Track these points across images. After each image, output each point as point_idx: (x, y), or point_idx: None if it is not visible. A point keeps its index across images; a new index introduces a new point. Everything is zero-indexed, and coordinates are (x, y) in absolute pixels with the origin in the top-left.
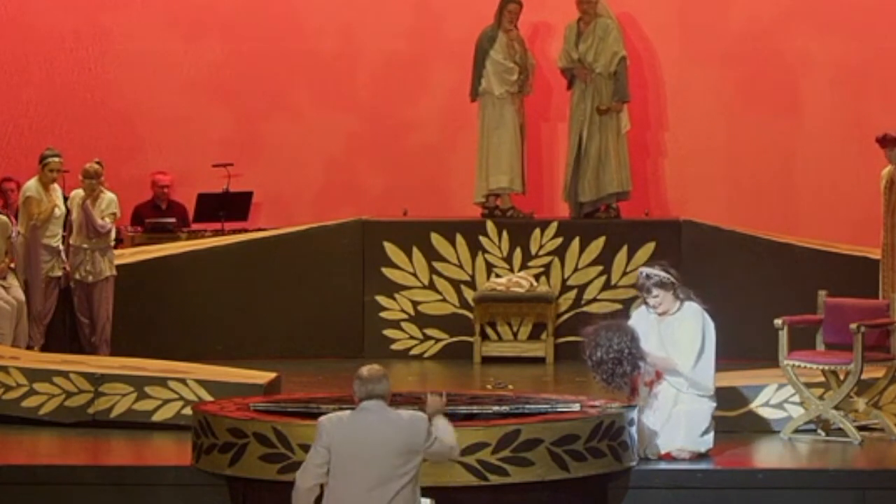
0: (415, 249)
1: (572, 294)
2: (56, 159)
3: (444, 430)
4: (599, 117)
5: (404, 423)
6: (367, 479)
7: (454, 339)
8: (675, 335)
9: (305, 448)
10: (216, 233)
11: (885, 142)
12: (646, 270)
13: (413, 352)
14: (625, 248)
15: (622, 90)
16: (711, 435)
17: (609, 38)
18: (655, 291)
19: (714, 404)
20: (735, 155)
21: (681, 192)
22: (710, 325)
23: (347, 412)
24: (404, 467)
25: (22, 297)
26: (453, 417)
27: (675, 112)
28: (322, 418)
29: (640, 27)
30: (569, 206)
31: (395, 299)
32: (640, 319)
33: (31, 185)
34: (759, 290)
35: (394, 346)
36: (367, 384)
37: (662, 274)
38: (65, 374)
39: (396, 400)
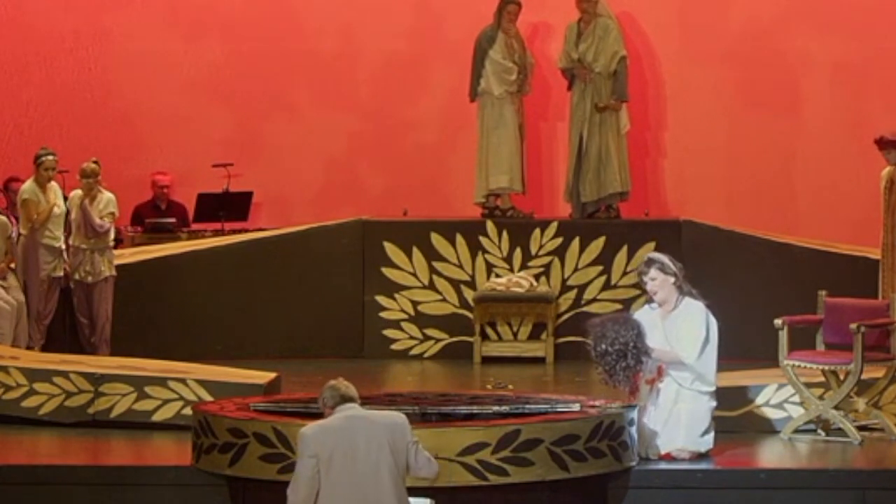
0: (415, 249)
1: (572, 294)
2: (50, 157)
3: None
4: (599, 117)
5: (386, 420)
6: (357, 480)
7: (454, 339)
8: (680, 331)
9: None
10: (216, 233)
11: (882, 144)
12: (651, 254)
13: (413, 352)
14: (625, 248)
15: (621, 89)
16: (711, 435)
17: (609, 37)
18: (653, 273)
19: (714, 404)
20: (735, 155)
21: (680, 192)
22: (713, 322)
23: (327, 419)
24: (391, 464)
25: (22, 297)
26: (453, 417)
27: (675, 112)
28: (303, 430)
29: (639, 26)
30: (571, 207)
31: (395, 299)
32: (642, 317)
33: (28, 187)
34: (759, 290)
35: (394, 346)
36: (339, 389)
37: (666, 260)
38: (65, 374)
39: (396, 400)
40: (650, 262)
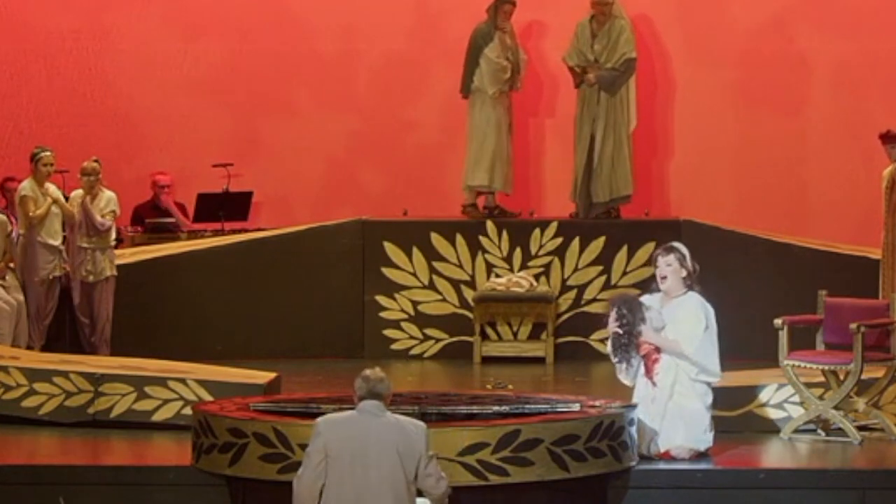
0: (415, 249)
1: (572, 294)
2: (47, 153)
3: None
4: (614, 118)
5: (403, 427)
6: (364, 481)
7: (454, 339)
8: (677, 321)
9: (305, 448)
10: (216, 233)
11: (887, 138)
12: (675, 243)
13: (413, 352)
14: (625, 248)
15: (608, 81)
16: (711, 434)
17: (621, 38)
18: (671, 259)
19: (710, 400)
20: (739, 155)
21: (683, 192)
22: (711, 312)
23: (345, 413)
24: (401, 471)
25: (21, 297)
26: (453, 417)
27: (680, 111)
28: (318, 419)
29: (647, 27)
30: (576, 206)
31: (395, 299)
32: (649, 301)
33: (26, 185)
34: (759, 290)
35: (394, 346)
36: (370, 381)
37: (688, 254)
38: (65, 374)
39: (396, 400)
40: (672, 249)
